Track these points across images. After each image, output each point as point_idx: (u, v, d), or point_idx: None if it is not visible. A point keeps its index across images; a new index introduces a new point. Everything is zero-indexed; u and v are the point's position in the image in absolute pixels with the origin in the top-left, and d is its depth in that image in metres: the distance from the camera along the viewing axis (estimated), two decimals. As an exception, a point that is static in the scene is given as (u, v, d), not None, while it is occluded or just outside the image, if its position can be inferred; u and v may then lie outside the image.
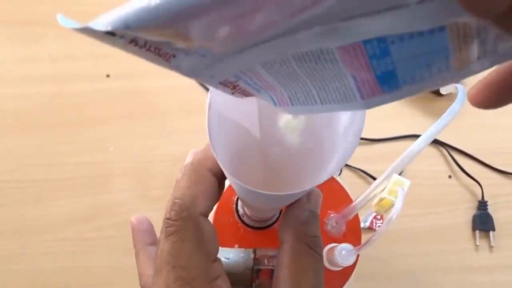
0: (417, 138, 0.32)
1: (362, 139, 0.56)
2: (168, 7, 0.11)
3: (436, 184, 0.56)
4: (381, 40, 0.13)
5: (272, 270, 0.30)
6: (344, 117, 0.27)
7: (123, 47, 0.12)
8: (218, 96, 0.26)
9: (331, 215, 0.34)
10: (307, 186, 0.23)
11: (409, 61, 0.14)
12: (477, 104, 0.16)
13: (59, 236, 0.51)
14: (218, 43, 0.13)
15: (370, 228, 0.52)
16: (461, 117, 0.57)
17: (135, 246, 0.30)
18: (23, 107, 0.57)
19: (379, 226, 0.52)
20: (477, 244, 0.53)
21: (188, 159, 0.30)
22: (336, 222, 0.34)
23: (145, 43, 0.12)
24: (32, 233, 0.51)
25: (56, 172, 0.54)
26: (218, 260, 0.25)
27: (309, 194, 0.27)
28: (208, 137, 0.23)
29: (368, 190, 0.32)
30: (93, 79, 0.59)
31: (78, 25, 0.11)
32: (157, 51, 0.13)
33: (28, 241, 0.51)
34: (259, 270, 0.30)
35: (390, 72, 0.14)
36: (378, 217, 0.52)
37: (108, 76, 0.59)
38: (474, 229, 0.53)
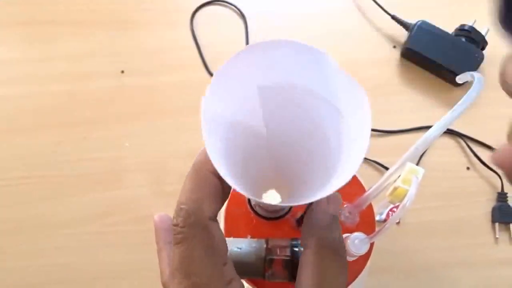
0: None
1: (376, 130, 0.56)
2: None
3: (454, 176, 0.55)
4: None
5: (285, 260, 0.30)
6: (352, 123, 0.27)
7: None
8: (215, 100, 0.25)
9: (345, 205, 0.34)
10: (320, 194, 0.23)
11: None
12: None
13: (75, 231, 0.52)
14: None
15: (386, 221, 0.51)
16: (478, 107, 0.56)
17: (157, 244, 0.30)
18: (40, 106, 0.58)
19: (395, 219, 0.51)
20: (497, 236, 0.52)
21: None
22: (350, 212, 0.33)
23: None
24: (48, 228, 0.52)
25: (71, 169, 0.55)
26: (229, 262, 0.25)
27: (328, 197, 0.26)
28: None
29: (382, 179, 0.31)
30: (108, 76, 0.60)
31: None
32: None
33: (44, 236, 0.52)
34: (271, 260, 0.30)
35: None
36: (395, 209, 0.52)
37: (122, 72, 0.60)
38: (493, 221, 0.52)
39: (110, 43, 0.62)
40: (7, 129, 0.57)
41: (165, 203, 0.53)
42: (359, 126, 0.27)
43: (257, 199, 0.23)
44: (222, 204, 0.25)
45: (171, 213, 0.52)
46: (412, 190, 0.26)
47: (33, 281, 0.50)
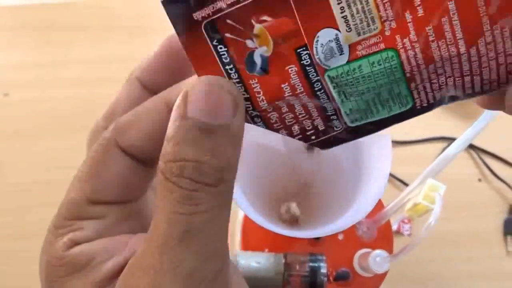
0: (446, 140, 0.31)
1: (388, 141, 0.55)
2: None
3: (465, 188, 0.54)
4: None
5: (303, 276, 0.29)
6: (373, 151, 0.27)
7: None
8: None
9: (363, 220, 0.34)
10: (339, 224, 0.22)
11: None
12: None
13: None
14: None
15: (397, 232, 0.51)
16: (491, 118, 0.56)
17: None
18: (57, 111, 0.58)
19: (406, 230, 0.51)
20: (509, 249, 0.51)
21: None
22: (368, 228, 0.33)
23: None
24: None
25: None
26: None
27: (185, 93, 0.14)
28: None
29: (402, 195, 0.31)
30: (124, 82, 0.59)
31: None
32: None
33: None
34: (290, 276, 0.29)
35: None
36: (405, 220, 0.51)
37: (138, 79, 0.59)
38: (505, 234, 0.52)
39: (127, 49, 0.61)
40: (22, 134, 0.56)
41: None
42: (379, 155, 0.26)
43: (276, 231, 0.23)
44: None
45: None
46: (437, 209, 0.26)
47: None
